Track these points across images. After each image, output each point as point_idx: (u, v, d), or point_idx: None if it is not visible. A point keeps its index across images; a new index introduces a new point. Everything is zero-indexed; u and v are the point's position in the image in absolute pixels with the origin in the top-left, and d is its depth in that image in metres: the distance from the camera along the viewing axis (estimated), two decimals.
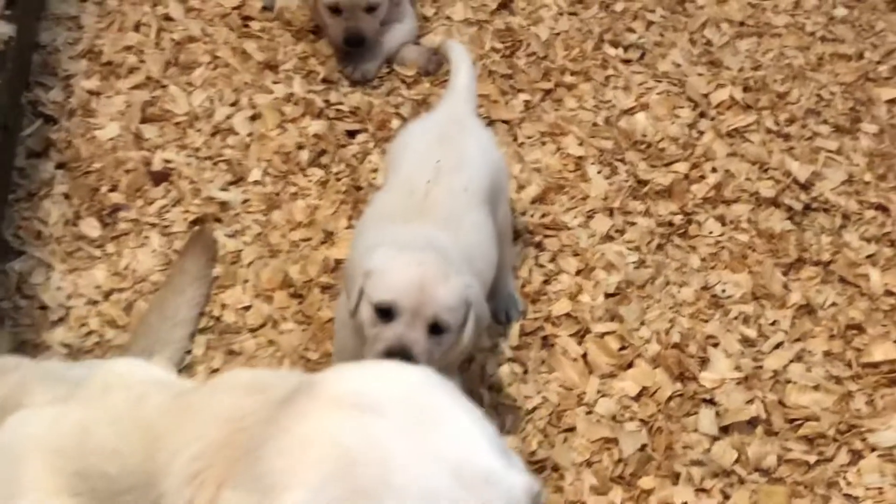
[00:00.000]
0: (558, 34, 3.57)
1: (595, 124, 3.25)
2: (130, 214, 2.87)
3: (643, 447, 2.44)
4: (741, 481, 2.40)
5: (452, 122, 2.51)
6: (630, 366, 2.60)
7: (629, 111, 3.30)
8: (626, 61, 3.50)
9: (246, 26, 3.48)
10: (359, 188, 2.97)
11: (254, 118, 3.15)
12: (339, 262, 2.75)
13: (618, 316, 2.70)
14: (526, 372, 2.59)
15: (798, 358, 2.65)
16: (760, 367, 2.62)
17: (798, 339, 2.69)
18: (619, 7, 3.71)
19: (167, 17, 3.47)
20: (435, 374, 1.21)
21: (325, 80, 3.30)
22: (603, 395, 2.55)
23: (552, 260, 2.85)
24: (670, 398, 2.54)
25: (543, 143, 3.17)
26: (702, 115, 3.31)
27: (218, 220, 2.87)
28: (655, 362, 2.60)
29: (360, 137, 3.14)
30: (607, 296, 2.76)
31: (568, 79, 3.40)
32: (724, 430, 2.49)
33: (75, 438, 1.38)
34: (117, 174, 2.95)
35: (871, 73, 3.54)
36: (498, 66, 3.41)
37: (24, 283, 2.68)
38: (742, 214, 3.00)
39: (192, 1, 3.53)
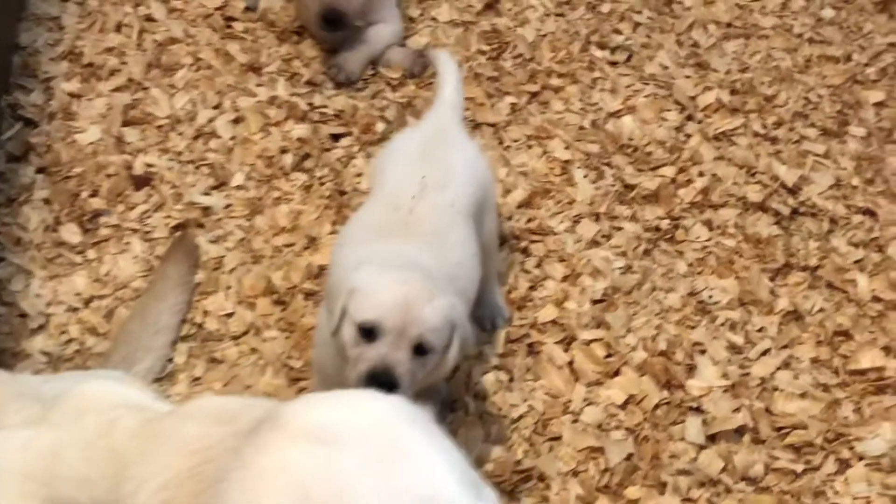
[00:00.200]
0: (545, 36, 3.54)
1: (582, 127, 3.22)
2: (111, 220, 2.83)
3: (629, 456, 2.42)
4: (728, 490, 2.39)
5: (438, 135, 2.47)
6: (616, 373, 2.58)
7: (616, 114, 3.28)
8: (613, 63, 3.47)
9: (229, 27, 3.44)
10: (343, 193, 2.94)
11: (237, 121, 3.12)
12: (322, 268, 2.72)
13: (604, 323, 2.68)
14: (511, 380, 2.57)
15: (785, 365, 2.64)
16: (747, 374, 2.60)
17: (785, 346, 2.68)
18: (605, 8, 3.68)
19: (149, 18, 3.42)
20: (407, 404, 1.19)
21: (309, 83, 3.27)
22: (589, 404, 2.53)
23: (538, 265, 2.82)
24: (657, 406, 2.52)
25: (530, 147, 3.15)
26: (689, 118, 3.29)
27: (200, 226, 2.84)
28: (642, 370, 2.58)
29: (345, 141, 3.11)
30: (594, 302, 2.74)
31: (554, 81, 3.37)
32: (711, 438, 2.47)
33: (46, 463, 1.37)
34: (98, 179, 2.91)
35: (858, 75, 3.53)
36: (484, 69, 3.38)
37: (3, 290, 2.64)
38: (729, 219, 2.98)
39: (174, 1, 3.49)
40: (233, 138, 3.07)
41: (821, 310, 2.78)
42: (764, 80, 3.46)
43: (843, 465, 2.45)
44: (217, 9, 3.48)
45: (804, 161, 3.17)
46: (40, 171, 2.93)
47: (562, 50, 3.48)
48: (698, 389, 2.55)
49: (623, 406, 2.52)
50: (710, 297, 2.78)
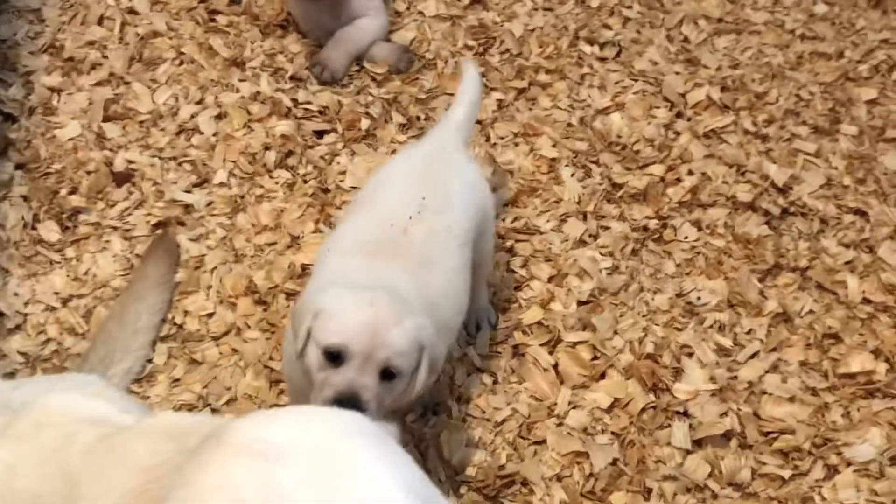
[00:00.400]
0: (533, 31, 3.50)
1: (569, 124, 3.18)
2: (91, 217, 2.79)
3: (615, 461, 2.39)
4: (714, 496, 2.35)
5: (440, 156, 2.37)
6: (602, 376, 2.55)
7: (604, 111, 3.24)
8: (602, 59, 3.43)
9: (212, 20, 3.39)
10: (326, 191, 2.90)
11: (219, 117, 3.07)
12: (305, 267, 2.68)
13: (590, 325, 2.64)
14: (496, 382, 2.54)
15: (774, 368, 2.60)
16: (735, 377, 2.57)
17: (774, 349, 2.64)
18: (594, 3, 3.64)
19: (132, 11, 3.38)
20: (360, 420, 1.18)
21: (292, 78, 3.22)
22: (574, 407, 2.49)
23: (524, 266, 2.78)
24: (643, 410, 2.48)
25: (516, 144, 3.10)
26: (678, 115, 3.25)
27: (181, 224, 2.80)
28: (628, 373, 2.55)
29: (329, 138, 3.06)
30: (580, 303, 2.70)
31: (542, 77, 3.33)
32: (698, 443, 2.44)
33: (3, 478, 1.35)
34: (78, 175, 2.87)
35: (850, 72, 3.48)
36: None
37: None
38: (718, 219, 2.94)
39: None
40: (215, 134, 3.02)
41: (810, 311, 2.74)
42: (755, 76, 3.41)
43: (832, 470, 2.42)
44: (200, 1, 3.44)
45: (795, 160, 3.13)
46: (19, 167, 2.89)
47: (550, 45, 3.44)
48: (685, 393, 2.51)
49: (608, 410, 2.49)
50: (699, 298, 2.74)
